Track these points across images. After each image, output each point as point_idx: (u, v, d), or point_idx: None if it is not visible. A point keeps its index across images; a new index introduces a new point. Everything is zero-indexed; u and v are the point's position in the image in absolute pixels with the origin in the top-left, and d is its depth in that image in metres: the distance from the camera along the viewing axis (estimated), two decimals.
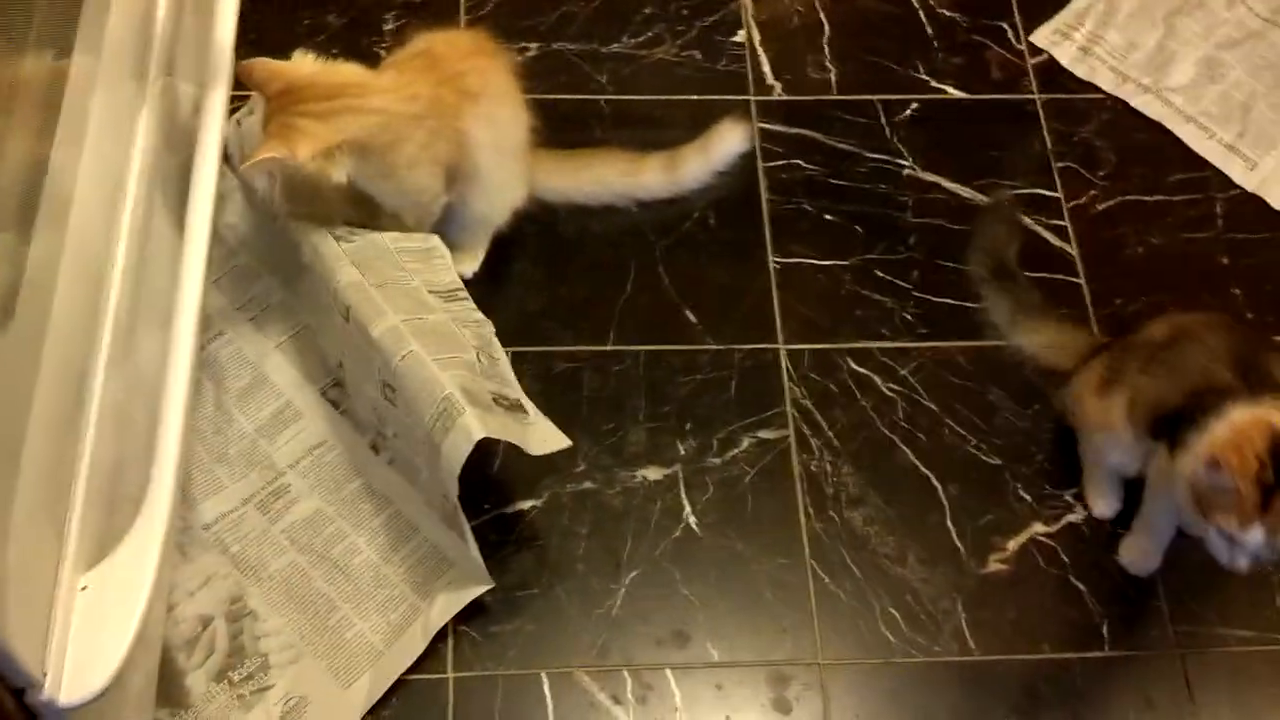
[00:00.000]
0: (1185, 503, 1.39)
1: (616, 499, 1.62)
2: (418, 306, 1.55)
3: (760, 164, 1.88)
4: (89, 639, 1.11)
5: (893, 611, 1.56)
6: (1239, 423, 1.33)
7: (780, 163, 1.89)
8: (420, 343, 1.49)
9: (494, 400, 1.49)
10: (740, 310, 1.76)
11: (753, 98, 1.94)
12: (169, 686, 1.43)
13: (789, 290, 1.78)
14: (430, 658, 1.49)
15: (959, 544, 1.61)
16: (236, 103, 1.76)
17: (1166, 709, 1.53)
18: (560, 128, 1.84)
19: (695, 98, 1.94)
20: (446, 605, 1.51)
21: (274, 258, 1.68)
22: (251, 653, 1.47)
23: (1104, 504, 1.63)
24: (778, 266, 1.80)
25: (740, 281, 1.79)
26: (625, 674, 1.51)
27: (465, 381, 1.48)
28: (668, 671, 1.52)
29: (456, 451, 1.42)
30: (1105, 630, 1.56)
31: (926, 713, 1.51)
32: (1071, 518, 1.63)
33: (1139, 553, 1.59)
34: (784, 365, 1.72)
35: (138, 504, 1.25)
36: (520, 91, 1.67)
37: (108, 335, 1.27)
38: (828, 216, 1.85)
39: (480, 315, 1.60)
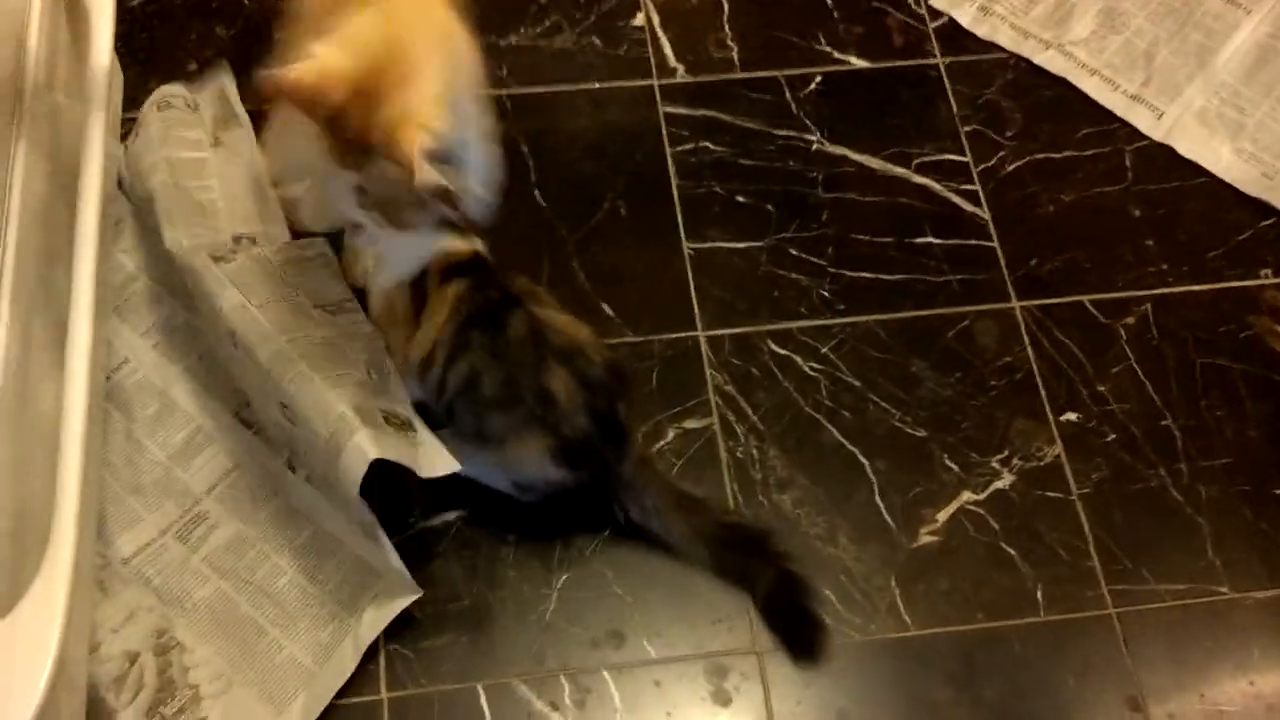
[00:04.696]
0: None
1: (544, 502, 1.60)
2: (303, 323, 1.52)
3: (668, 148, 1.86)
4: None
5: (827, 592, 1.56)
6: None
7: (688, 146, 1.87)
8: (308, 362, 1.46)
9: (385, 419, 1.46)
10: (657, 299, 1.75)
11: (656, 81, 1.92)
12: None
13: (705, 275, 1.77)
14: (362, 679, 1.47)
15: (889, 519, 1.60)
16: (126, 125, 1.72)
17: (1105, 670, 1.53)
18: None
19: (598, 85, 1.91)
20: (375, 619, 1.49)
21: (175, 281, 1.64)
22: (182, 685, 1.44)
23: None
24: (692, 252, 1.78)
25: (655, 270, 1.77)
26: (562, 679, 1.50)
27: (357, 399, 1.45)
28: (605, 673, 1.50)
29: (351, 472, 1.39)
30: (1039, 595, 1.57)
31: (867, 692, 1.51)
32: (999, 484, 1.63)
33: None
34: (704, 352, 1.71)
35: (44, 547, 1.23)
36: None
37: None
38: (739, 198, 1.83)
39: (369, 327, 1.57)
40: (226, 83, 1.78)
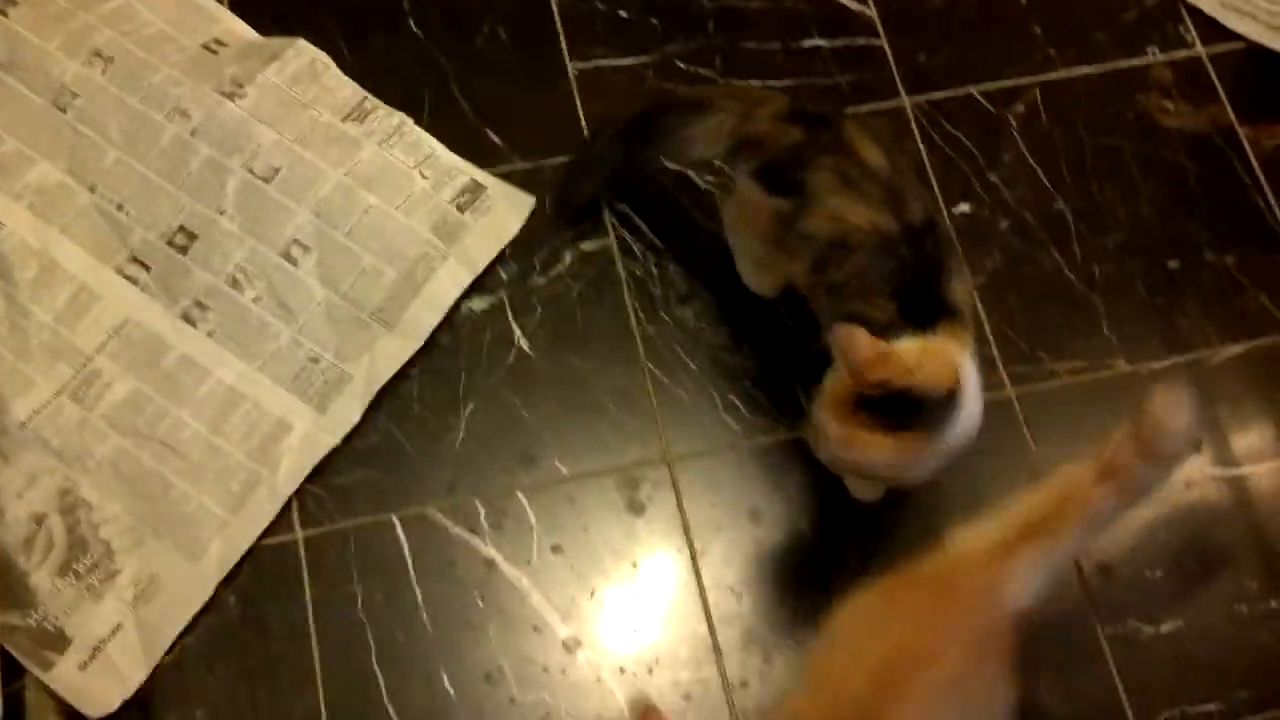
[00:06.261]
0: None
1: (444, 335, 1.59)
2: (347, 149, 1.62)
3: None
4: None
5: (732, 399, 1.57)
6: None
7: None
8: (375, 194, 1.58)
9: (457, 207, 1.59)
10: (545, 124, 1.72)
11: None
12: (13, 589, 1.40)
13: (592, 95, 1.74)
14: (275, 521, 1.47)
15: (789, 321, 1.61)
16: None
17: (1005, 452, 1.56)
18: None
19: None
20: (293, 468, 1.50)
21: (44, 141, 1.60)
22: (93, 542, 1.44)
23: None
24: (577, 73, 1.75)
25: (541, 94, 1.74)
26: (477, 503, 1.51)
27: (433, 216, 1.60)
28: (519, 494, 1.52)
29: (437, 300, 1.58)
30: None
31: (778, 491, 1.53)
32: None
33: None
34: None
35: None
36: None
37: None
38: (621, 13, 1.79)
39: (395, 117, 1.66)
40: None
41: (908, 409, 1.24)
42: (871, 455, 1.26)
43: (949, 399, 1.27)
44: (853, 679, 1.12)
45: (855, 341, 1.23)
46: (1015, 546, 1.21)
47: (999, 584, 1.20)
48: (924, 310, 1.31)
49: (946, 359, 1.28)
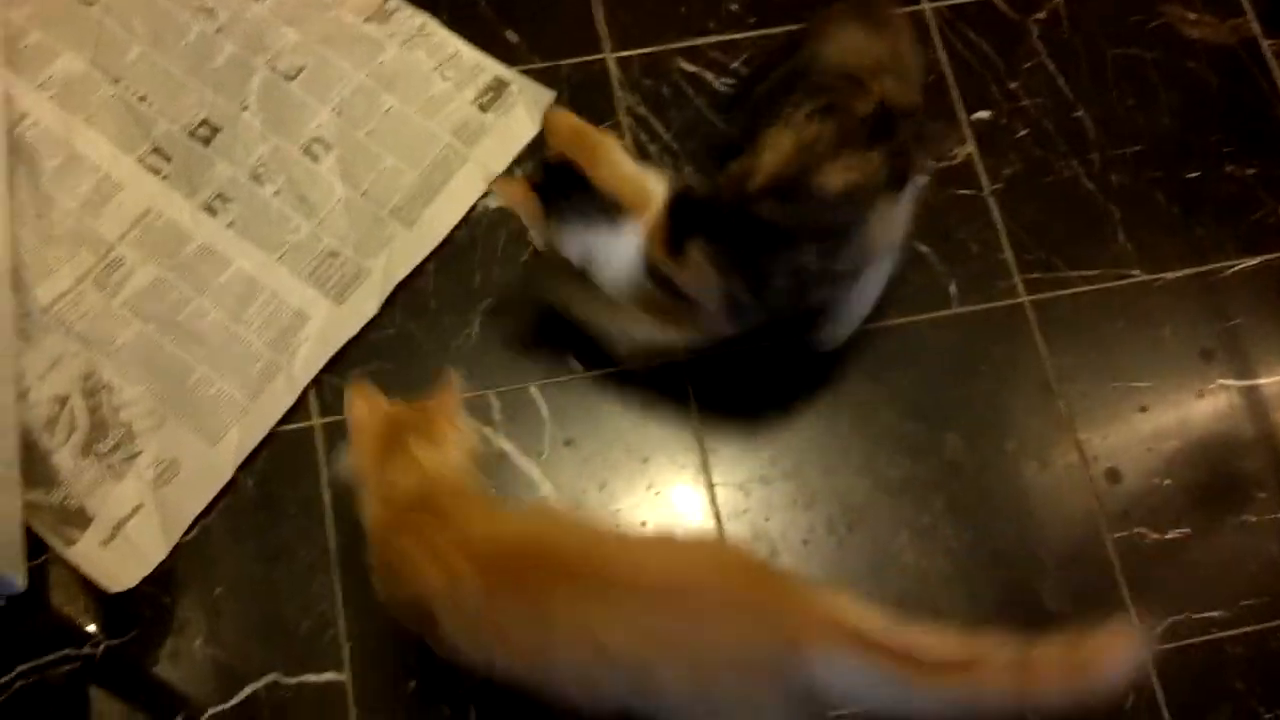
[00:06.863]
0: None
1: (460, 232, 1.60)
2: (369, 50, 1.67)
3: None
4: None
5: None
6: None
7: None
8: (396, 95, 1.64)
9: (479, 107, 1.63)
10: (562, 24, 1.72)
11: None
12: (35, 468, 1.43)
13: None
14: (294, 406, 1.50)
15: None
16: None
17: (1018, 356, 1.57)
18: None
19: None
20: (310, 357, 1.52)
21: (69, 34, 1.62)
22: (114, 424, 1.47)
23: None
24: None
25: None
26: (491, 397, 1.53)
27: (453, 119, 1.63)
28: (532, 388, 1.54)
29: (456, 199, 1.60)
30: (953, 289, 1.59)
31: (786, 395, 1.54)
32: None
33: None
34: (613, 74, 1.69)
35: None
36: None
37: None
38: None
39: (419, 18, 1.69)
40: None
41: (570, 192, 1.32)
42: (506, 194, 1.37)
43: (594, 202, 1.32)
44: (648, 571, 1.11)
45: (563, 117, 1.34)
46: (874, 643, 1.06)
47: (813, 648, 1.07)
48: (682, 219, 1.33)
49: (641, 194, 1.33)
